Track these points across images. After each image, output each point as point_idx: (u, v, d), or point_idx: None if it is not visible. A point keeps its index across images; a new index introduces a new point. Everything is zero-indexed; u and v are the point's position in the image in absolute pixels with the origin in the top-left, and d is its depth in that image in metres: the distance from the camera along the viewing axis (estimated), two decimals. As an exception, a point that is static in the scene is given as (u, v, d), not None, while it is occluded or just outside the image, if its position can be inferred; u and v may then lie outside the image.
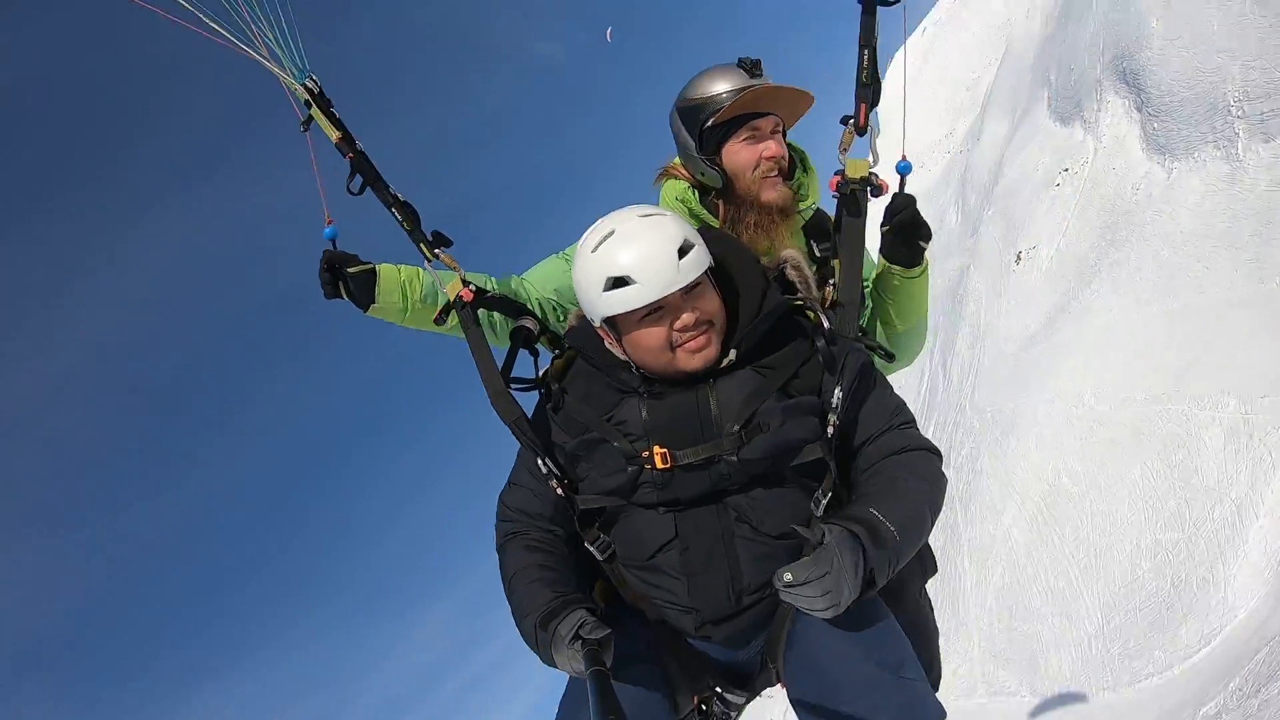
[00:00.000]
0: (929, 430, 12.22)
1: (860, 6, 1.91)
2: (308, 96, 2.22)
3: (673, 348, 1.84)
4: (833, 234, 2.13)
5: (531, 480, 2.05)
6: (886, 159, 2.02)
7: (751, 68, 2.28)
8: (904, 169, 2.05)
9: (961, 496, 10.26)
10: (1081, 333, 11.27)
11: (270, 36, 2.11)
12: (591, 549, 1.99)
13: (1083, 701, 7.04)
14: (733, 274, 1.96)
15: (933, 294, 2.55)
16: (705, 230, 2.08)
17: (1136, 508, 7.80)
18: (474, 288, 2.24)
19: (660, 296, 1.77)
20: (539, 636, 1.76)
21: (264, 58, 2.15)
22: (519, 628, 1.85)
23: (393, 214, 2.28)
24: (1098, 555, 8.03)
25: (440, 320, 2.32)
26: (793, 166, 2.39)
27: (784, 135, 2.35)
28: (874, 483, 1.86)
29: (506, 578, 1.97)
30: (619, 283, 1.78)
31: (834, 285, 2.06)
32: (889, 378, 2.26)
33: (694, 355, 1.84)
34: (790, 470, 1.88)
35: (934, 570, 2.25)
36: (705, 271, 1.84)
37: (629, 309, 1.80)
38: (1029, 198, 17.72)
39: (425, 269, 2.32)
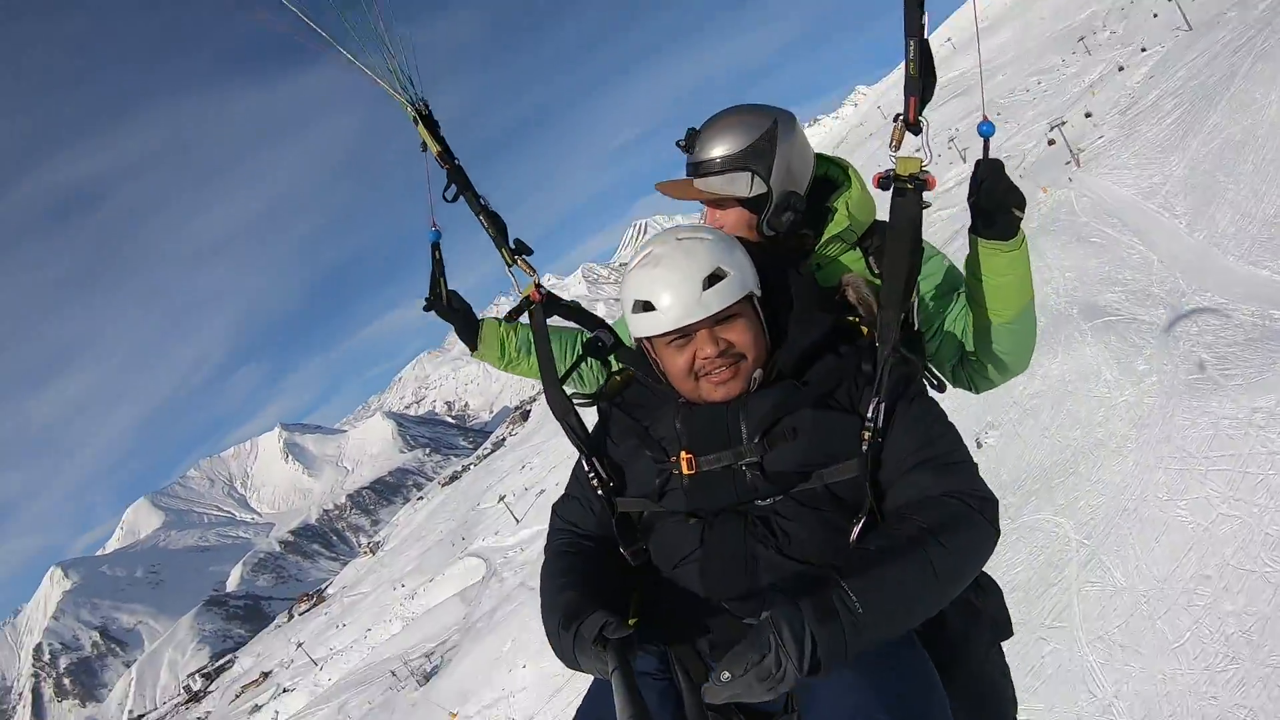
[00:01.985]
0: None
1: None
2: (415, 115, 2.65)
3: (697, 376, 1.97)
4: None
5: (581, 490, 2.21)
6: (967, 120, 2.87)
7: (686, 145, 2.45)
8: (986, 130, 2.00)
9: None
10: None
11: (391, 67, 2.57)
12: (625, 554, 2.10)
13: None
14: (791, 298, 2.07)
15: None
16: (768, 252, 2.18)
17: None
18: (545, 292, 2.60)
19: (676, 328, 1.91)
20: (561, 636, 1.84)
21: (386, 83, 2.59)
22: (545, 628, 1.94)
23: (480, 220, 2.70)
24: None
25: (511, 319, 2.78)
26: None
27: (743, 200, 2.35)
28: (873, 538, 1.80)
29: (541, 582, 2.10)
30: (645, 306, 1.93)
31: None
32: (1012, 384, 2.45)
33: (716, 388, 1.96)
34: (826, 490, 1.91)
35: (1007, 633, 2.24)
36: (745, 300, 1.95)
37: (650, 334, 1.98)
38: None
39: (507, 273, 2.69)
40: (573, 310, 2.67)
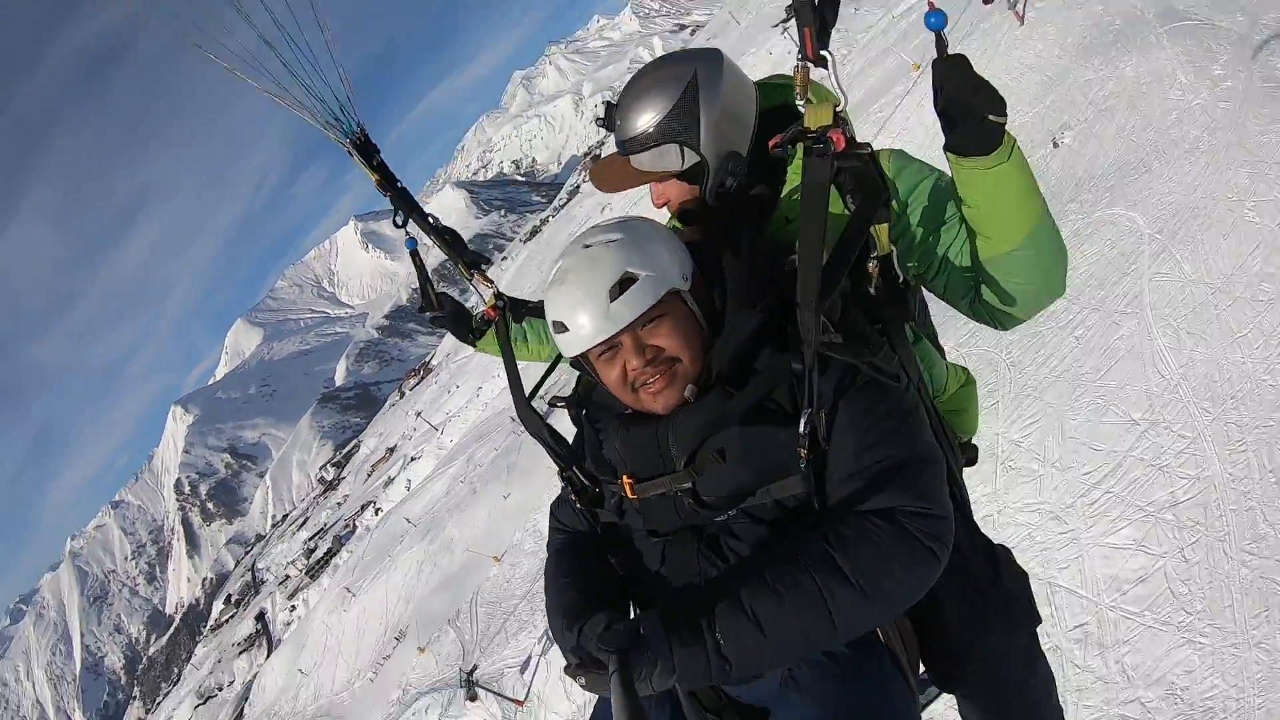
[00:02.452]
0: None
1: None
2: (349, 149, 2.52)
3: (634, 388, 1.86)
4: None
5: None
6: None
7: (605, 122, 2.17)
8: (936, 23, 1.61)
9: None
10: None
11: (319, 94, 2.38)
12: (613, 561, 2.09)
13: None
14: (727, 285, 1.90)
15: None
16: (723, 219, 2.06)
17: None
18: (504, 304, 2.67)
19: (588, 348, 1.83)
20: (565, 637, 1.86)
21: (313, 115, 2.43)
22: (550, 629, 2.00)
23: (432, 240, 2.67)
24: None
25: (475, 339, 2.88)
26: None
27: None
28: (777, 558, 1.70)
29: (545, 583, 2.11)
30: (561, 327, 1.85)
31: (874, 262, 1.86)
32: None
33: (654, 398, 1.85)
34: (776, 504, 1.82)
35: (1030, 623, 2.20)
36: (670, 298, 1.81)
37: (571, 354, 1.91)
38: None
39: (470, 286, 2.77)
40: (539, 308, 2.70)
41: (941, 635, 2.01)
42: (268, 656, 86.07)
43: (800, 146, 1.69)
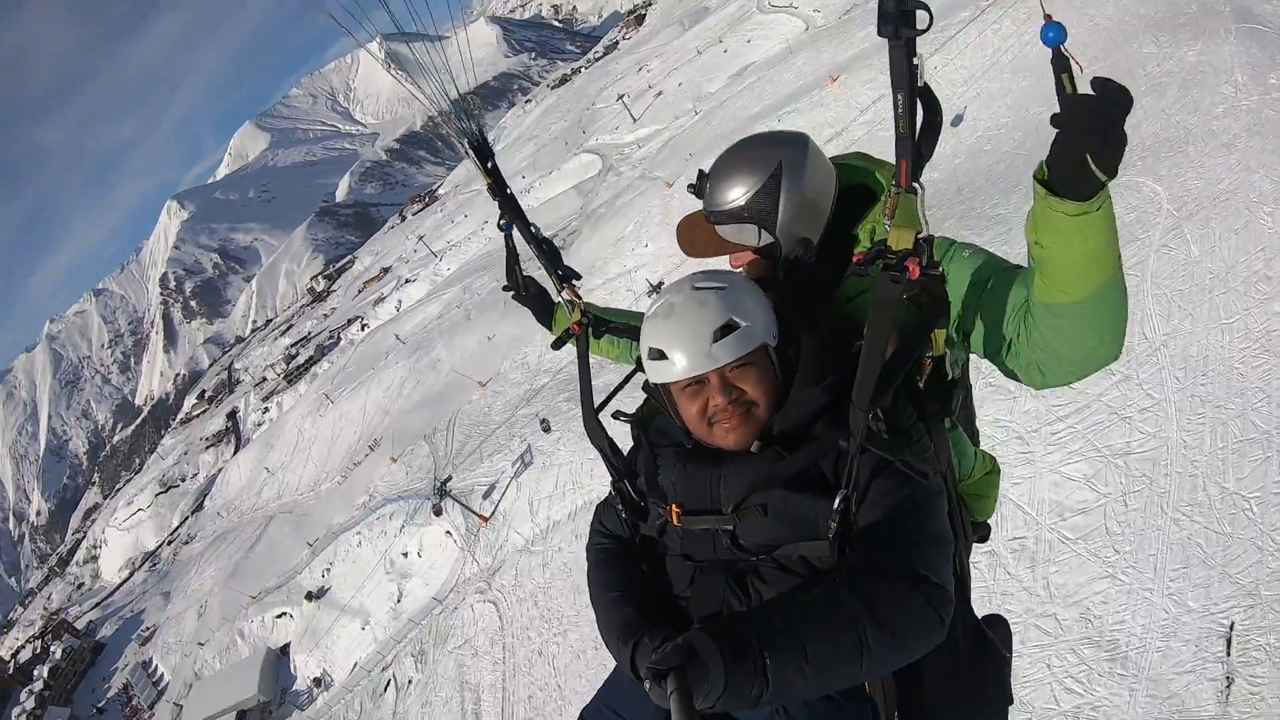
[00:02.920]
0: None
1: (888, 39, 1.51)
2: (466, 149, 2.66)
3: (710, 422, 2.05)
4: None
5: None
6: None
7: (697, 190, 2.42)
8: (1055, 38, 1.41)
9: None
10: None
11: (450, 98, 2.57)
12: (647, 569, 2.24)
13: None
14: (800, 358, 2.08)
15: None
16: (792, 294, 2.19)
17: None
18: (588, 320, 2.83)
19: (684, 379, 2.01)
20: (621, 650, 2.03)
21: (444, 116, 2.61)
22: (603, 638, 2.14)
23: (531, 248, 2.79)
24: None
25: (555, 347, 2.97)
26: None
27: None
28: (814, 603, 1.78)
29: (591, 589, 2.29)
30: (659, 355, 2.03)
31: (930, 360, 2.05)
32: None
33: (727, 434, 2.04)
34: (802, 558, 1.98)
35: (1003, 699, 2.28)
36: (759, 350, 2.01)
37: (662, 381, 2.09)
38: None
39: (557, 296, 2.94)
40: (621, 329, 2.86)
41: (920, 694, 2.11)
42: (235, 453, 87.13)
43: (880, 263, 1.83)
